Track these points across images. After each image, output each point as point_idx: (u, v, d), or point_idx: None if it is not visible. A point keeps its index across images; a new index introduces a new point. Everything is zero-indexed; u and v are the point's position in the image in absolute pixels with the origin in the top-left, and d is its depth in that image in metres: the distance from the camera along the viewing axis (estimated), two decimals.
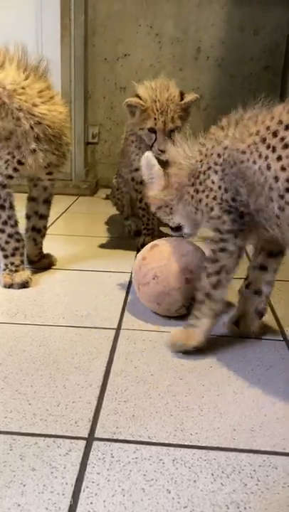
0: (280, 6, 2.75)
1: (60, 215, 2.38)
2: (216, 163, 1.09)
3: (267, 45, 2.82)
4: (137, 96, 1.67)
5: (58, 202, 2.65)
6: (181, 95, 1.67)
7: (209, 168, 1.10)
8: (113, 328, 1.25)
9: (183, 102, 1.65)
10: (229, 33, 2.81)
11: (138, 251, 1.73)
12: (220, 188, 1.08)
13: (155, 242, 1.35)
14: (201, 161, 1.13)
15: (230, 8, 2.77)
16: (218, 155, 1.08)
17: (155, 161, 1.25)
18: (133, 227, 2.09)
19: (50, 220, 2.26)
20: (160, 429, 0.87)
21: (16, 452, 0.80)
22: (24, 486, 0.74)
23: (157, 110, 1.63)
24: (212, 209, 1.09)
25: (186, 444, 0.84)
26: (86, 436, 0.85)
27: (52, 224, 2.21)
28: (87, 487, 0.74)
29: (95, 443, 0.83)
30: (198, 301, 1.12)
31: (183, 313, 1.28)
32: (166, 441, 0.84)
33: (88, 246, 1.93)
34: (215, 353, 1.14)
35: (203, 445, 0.84)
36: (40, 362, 1.08)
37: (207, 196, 1.10)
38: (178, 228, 1.30)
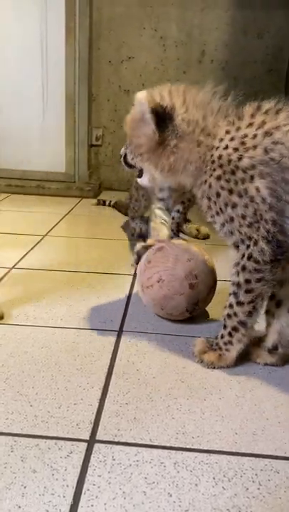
0: (283, 9, 2.75)
1: (62, 217, 2.39)
2: (262, 163, 0.89)
3: (270, 49, 2.82)
4: None
5: (60, 204, 2.67)
6: None
7: (253, 166, 0.90)
8: (115, 331, 1.25)
9: None
10: (233, 37, 2.81)
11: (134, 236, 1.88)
12: (264, 201, 0.89)
13: (160, 244, 1.33)
14: (236, 149, 0.92)
15: (234, 12, 2.77)
16: (266, 150, 0.89)
17: (152, 120, 0.99)
18: (137, 230, 2.08)
19: (53, 222, 2.28)
20: (162, 432, 0.87)
21: (16, 454, 0.80)
22: (25, 487, 0.73)
23: None
24: (250, 226, 0.92)
25: (187, 447, 0.84)
26: (87, 438, 0.85)
27: (55, 226, 2.21)
28: (88, 489, 0.74)
29: (96, 445, 0.83)
30: (231, 327, 1.04)
31: (186, 317, 1.28)
32: (168, 444, 0.84)
33: (90, 248, 1.93)
34: None
35: (204, 448, 0.84)
36: (41, 363, 1.07)
37: (246, 206, 0.91)
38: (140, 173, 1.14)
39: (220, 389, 1.01)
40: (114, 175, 3.10)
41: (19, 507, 0.70)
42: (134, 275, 1.65)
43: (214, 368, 1.08)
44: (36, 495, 0.72)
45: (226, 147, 0.94)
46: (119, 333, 1.24)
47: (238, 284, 1.00)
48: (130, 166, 1.14)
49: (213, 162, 0.96)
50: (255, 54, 2.83)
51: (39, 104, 2.88)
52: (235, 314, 1.03)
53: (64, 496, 0.72)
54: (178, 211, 1.99)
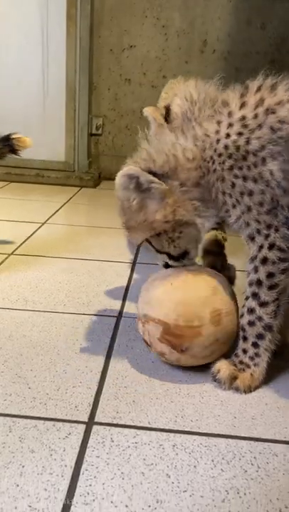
0: (287, 0, 2.73)
1: (62, 206, 2.38)
2: (271, 141, 0.83)
3: (273, 40, 2.80)
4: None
5: (60, 193, 2.66)
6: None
7: (263, 147, 0.84)
8: (114, 316, 1.24)
9: None
10: (236, 27, 2.79)
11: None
12: (278, 185, 0.84)
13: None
14: (240, 134, 0.86)
15: (237, 2, 2.75)
16: (272, 129, 0.84)
17: (151, 176, 0.90)
18: None
19: (52, 210, 2.27)
20: (160, 415, 0.87)
21: (15, 434, 0.80)
22: (23, 467, 0.73)
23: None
24: (268, 213, 0.86)
25: (186, 430, 0.84)
26: (86, 420, 0.85)
27: (54, 214, 2.21)
28: (87, 470, 0.73)
29: (95, 427, 0.83)
30: (255, 336, 0.92)
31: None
32: (167, 427, 0.84)
33: (90, 236, 1.93)
34: None
35: (203, 432, 0.83)
36: (40, 347, 1.07)
37: (262, 192, 0.85)
38: (183, 255, 1.01)
39: None
40: (114, 164, 3.08)
41: (17, 485, 0.69)
42: (134, 264, 1.64)
43: (252, 391, 0.95)
44: (35, 474, 0.72)
45: (228, 135, 0.88)
46: (118, 318, 1.23)
47: (258, 282, 0.89)
48: (177, 259, 1.01)
49: (220, 155, 0.89)
50: (257, 45, 2.81)
51: (39, 92, 2.86)
52: (259, 319, 0.91)
53: (62, 476, 0.72)
54: None
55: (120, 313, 1.26)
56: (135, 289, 1.41)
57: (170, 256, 1.01)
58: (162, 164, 0.92)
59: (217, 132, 0.90)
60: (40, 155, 2.90)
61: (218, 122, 0.90)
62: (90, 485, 0.71)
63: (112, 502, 0.68)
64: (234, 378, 0.95)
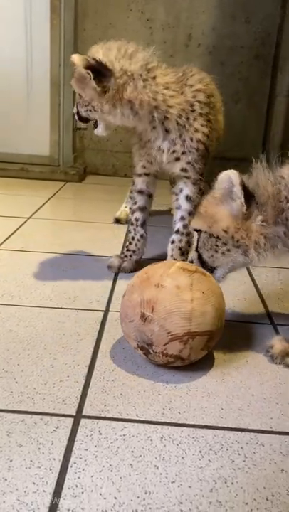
0: None
1: (47, 200, 2.36)
2: None
3: (258, 34, 2.81)
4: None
5: (45, 187, 2.64)
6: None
7: None
8: (101, 310, 1.24)
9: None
10: (221, 21, 2.79)
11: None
12: None
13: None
14: None
15: None
16: None
17: (241, 193, 0.96)
18: None
19: (38, 204, 2.25)
20: (148, 408, 0.87)
21: (2, 429, 0.79)
22: (11, 461, 0.73)
23: None
24: None
25: (174, 422, 0.84)
26: (74, 413, 0.84)
27: (39, 209, 2.19)
28: (75, 463, 0.73)
29: (83, 420, 0.83)
30: None
31: (143, 357, 1.03)
32: (155, 419, 0.84)
33: (76, 231, 1.92)
34: None
35: (191, 423, 0.84)
36: (27, 342, 1.06)
37: None
38: (211, 269, 1.05)
39: (206, 366, 1.01)
40: (99, 159, 3.07)
41: (5, 479, 0.69)
42: None
43: None
44: (23, 468, 0.72)
45: None
46: (106, 312, 1.23)
47: None
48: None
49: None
50: (242, 39, 2.81)
51: (23, 86, 2.82)
52: None
53: (51, 469, 0.72)
54: None
55: (107, 307, 1.26)
56: (122, 283, 1.41)
57: (200, 257, 1.07)
58: (259, 194, 0.98)
59: None
60: (25, 149, 2.87)
61: None
62: (79, 477, 0.71)
63: (100, 494, 0.68)
64: (287, 354, 1.03)
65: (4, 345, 1.04)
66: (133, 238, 1.52)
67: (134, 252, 1.51)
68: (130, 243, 1.52)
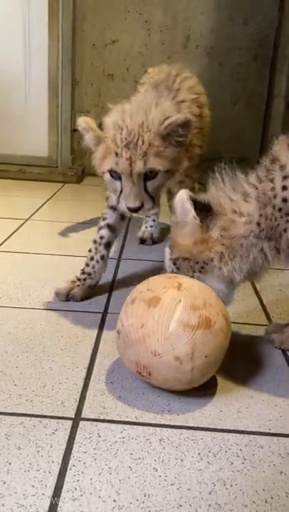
0: None
1: (45, 202, 2.36)
2: None
3: (256, 35, 2.81)
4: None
5: (43, 188, 2.63)
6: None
7: None
8: (100, 312, 1.24)
9: (162, 126, 1.10)
10: (218, 22, 2.80)
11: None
12: None
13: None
14: None
15: None
16: None
17: (190, 207, 0.96)
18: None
19: (36, 206, 2.25)
20: (147, 410, 0.87)
21: (1, 431, 0.79)
22: (10, 464, 0.73)
23: (121, 141, 1.09)
24: None
25: (173, 424, 0.84)
26: (72, 416, 0.84)
27: (37, 210, 2.19)
28: (74, 465, 0.73)
29: (82, 423, 0.83)
30: None
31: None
32: (153, 422, 0.84)
33: (74, 232, 1.92)
34: None
35: (190, 425, 0.84)
36: (25, 344, 1.06)
37: None
38: None
39: None
40: None
41: (4, 483, 0.69)
42: (119, 259, 1.64)
43: None
44: (22, 471, 0.72)
45: (284, 188, 0.94)
46: (104, 314, 1.23)
47: None
48: None
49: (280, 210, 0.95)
50: (240, 40, 2.82)
51: (21, 88, 2.82)
52: None
53: (49, 472, 0.72)
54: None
55: (106, 309, 1.26)
56: (120, 285, 1.41)
57: None
58: (215, 204, 0.97)
59: (273, 189, 0.94)
60: (23, 151, 2.87)
61: (272, 180, 0.95)
62: (78, 480, 0.71)
63: (99, 497, 0.68)
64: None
65: (2, 348, 1.04)
66: (92, 259, 1.32)
67: (89, 275, 1.31)
68: (87, 265, 1.32)
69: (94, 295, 1.33)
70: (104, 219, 1.36)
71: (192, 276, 0.99)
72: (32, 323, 1.16)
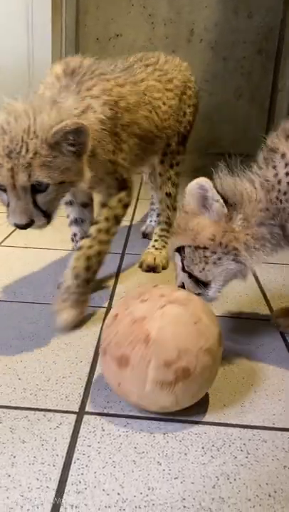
0: None
1: None
2: None
3: (261, 29, 2.80)
4: None
5: None
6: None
7: None
8: (104, 307, 1.24)
9: (50, 133, 0.92)
10: (223, 16, 2.78)
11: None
12: None
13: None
14: None
15: None
16: None
17: (218, 196, 0.93)
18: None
19: None
20: None
21: (5, 425, 0.80)
22: (14, 457, 0.73)
23: (3, 149, 0.92)
24: None
25: (176, 418, 0.84)
26: (77, 410, 0.85)
27: None
28: (78, 459, 0.74)
29: (86, 417, 0.83)
30: None
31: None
32: (157, 416, 0.84)
33: None
34: None
35: (194, 420, 0.84)
36: (29, 338, 1.07)
37: None
38: (204, 284, 0.99)
39: None
40: None
41: (9, 475, 0.70)
42: (123, 254, 1.64)
43: None
44: (26, 464, 0.72)
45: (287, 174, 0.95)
46: (108, 309, 1.23)
47: None
48: (197, 284, 1.00)
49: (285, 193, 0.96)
50: (245, 34, 2.80)
51: (24, 82, 2.82)
52: None
53: (54, 465, 0.72)
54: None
55: (109, 303, 1.26)
56: (124, 279, 1.41)
57: (191, 276, 0.99)
58: (230, 196, 0.96)
59: (276, 175, 0.95)
60: None
61: (274, 167, 0.96)
62: (82, 474, 0.71)
63: (103, 490, 0.68)
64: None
65: (7, 342, 1.05)
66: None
67: None
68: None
69: (98, 289, 1.33)
70: (68, 216, 1.37)
71: (203, 269, 0.96)
72: (36, 318, 1.16)
